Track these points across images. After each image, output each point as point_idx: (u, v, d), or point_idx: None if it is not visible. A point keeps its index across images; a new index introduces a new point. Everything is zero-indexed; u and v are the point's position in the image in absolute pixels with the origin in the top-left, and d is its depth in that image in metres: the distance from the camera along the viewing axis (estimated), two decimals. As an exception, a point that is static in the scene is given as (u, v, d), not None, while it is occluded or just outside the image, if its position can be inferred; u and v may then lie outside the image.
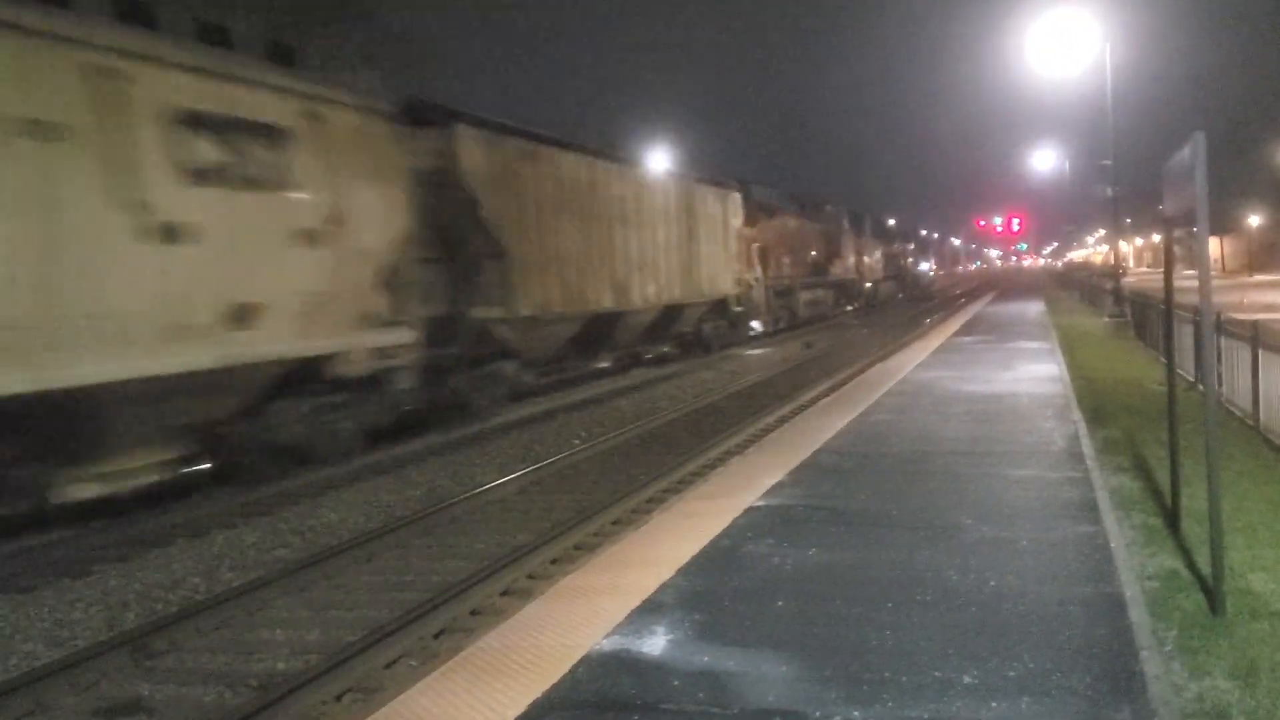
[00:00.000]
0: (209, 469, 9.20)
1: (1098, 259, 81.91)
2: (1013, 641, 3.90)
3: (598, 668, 3.84)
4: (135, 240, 7.93)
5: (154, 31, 8.80)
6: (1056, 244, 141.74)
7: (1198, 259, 4.62)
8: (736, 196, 25.04)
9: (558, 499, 9.26)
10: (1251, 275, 57.22)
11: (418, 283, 11.30)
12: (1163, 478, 6.72)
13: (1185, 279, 9.22)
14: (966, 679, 3.57)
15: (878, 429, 9.09)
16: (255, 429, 9.49)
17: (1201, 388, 5.62)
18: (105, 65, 7.78)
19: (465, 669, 3.97)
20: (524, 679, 3.77)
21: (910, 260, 65.15)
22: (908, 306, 46.66)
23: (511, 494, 9.52)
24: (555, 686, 3.68)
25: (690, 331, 22.43)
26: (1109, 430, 8.98)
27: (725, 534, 5.69)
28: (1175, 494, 5.81)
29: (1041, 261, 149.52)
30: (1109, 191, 25.70)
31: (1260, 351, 8.52)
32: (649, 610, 4.47)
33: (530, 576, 6.89)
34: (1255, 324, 8.87)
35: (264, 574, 7.07)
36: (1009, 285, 62.61)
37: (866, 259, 46.04)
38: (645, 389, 17.33)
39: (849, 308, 41.29)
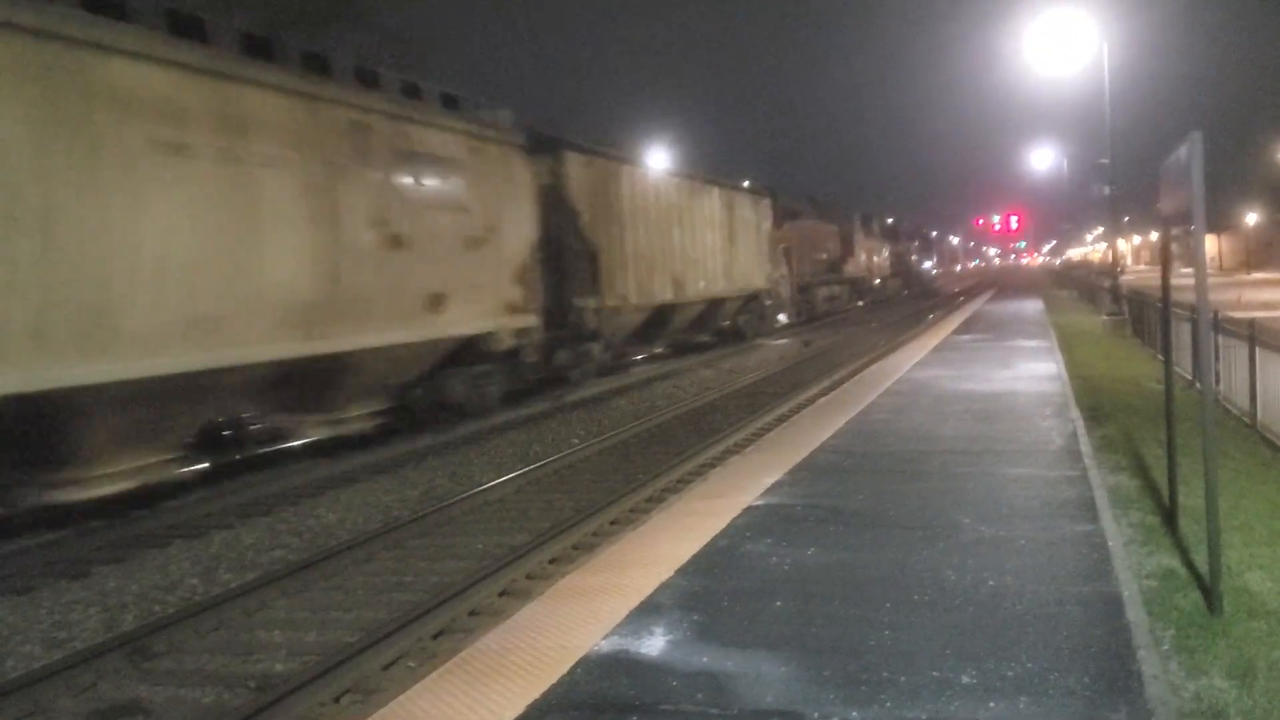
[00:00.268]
0: (207, 468, 9.39)
1: (1096, 257, 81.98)
2: (1010, 641, 3.90)
3: (596, 669, 3.84)
4: (378, 248, 10.61)
5: (380, 89, 11.25)
6: (1055, 242, 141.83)
7: (1194, 258, 4.62)
8: (767, 202, 28.08)
9: (556, 499, 9.26)
10: (1249, 273, 57.27)
11: (539, 278, 14.16)
12: (1161, 476, 6.73)
13: (1183, 277, 9.22)
14: (964, 679, 3.58)
15: (876, 428, 9.10)
16: (430, 390, 12.14)
17: (1200, 386, 5.62)
18: (360, 120, 10.47)
19: (463, 670, 3.97)
20: (522, 680, 3.77)
21: (915, 258, 68.20)
22: (910, 303, 48.28)
23: (510, 494, 9.52)
24: (553, 688, 3.68)
25: (728, 322, 25.12)
26: (1107, 429, 8.99)
27: (724, 534, 5.69)
28: (1173, 492, 5.81)
29: (1040, 260, 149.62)
30: (1106, 190, 25.72)
31: (1257, 350, 8.53)
32: (647, 611, 4.47)
33: (529, 577, 6.89)
34: (1252, 322, 8.89)
35: (262, 575, 7.07)
36: (1007, 283, 62.64)
37: (875, 258, 49.19)
38: (644, 387, 17.33)
39: (860, 303, 43.92)
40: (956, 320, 26.23)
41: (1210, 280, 4.74)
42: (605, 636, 4.17)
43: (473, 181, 12.45)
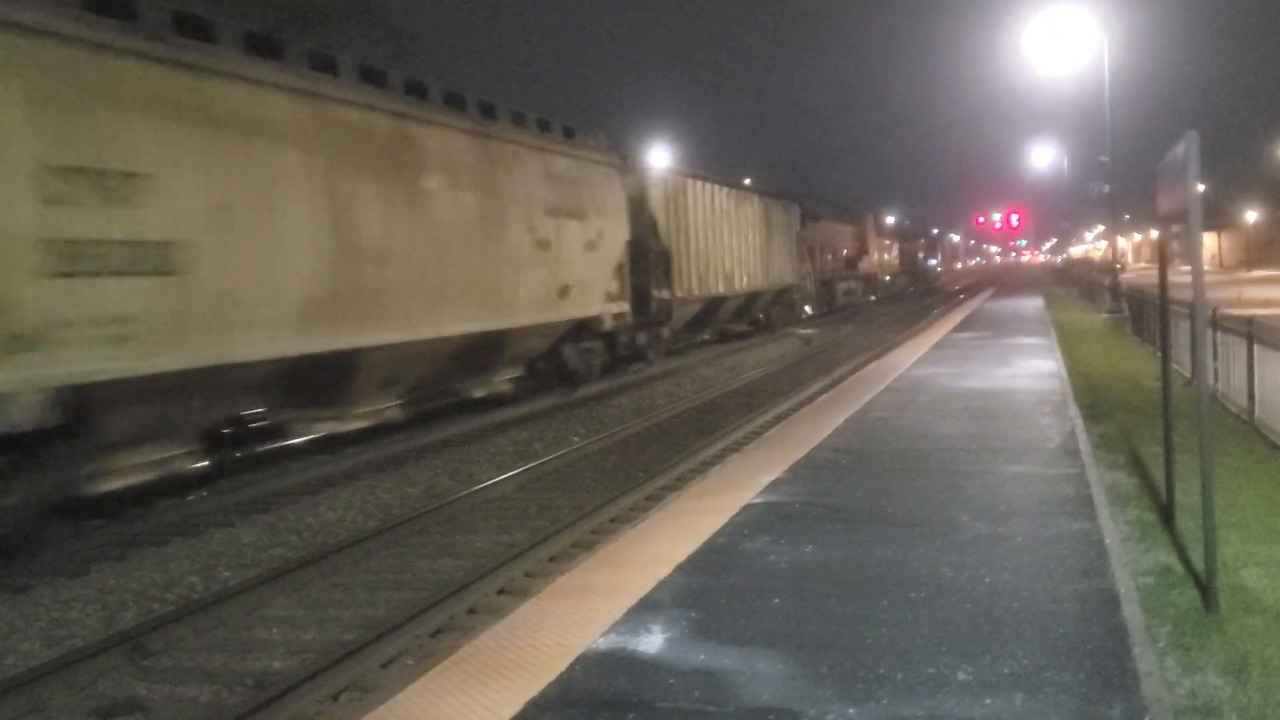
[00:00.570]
0: (207, 467, 9.41)
1: (1097, 255, 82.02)
2: (1007, 638, 3.91)
3: (594, 666, 3.85)
4: (531, 249, 13.71)
5: (526, 125, 14.16)
6: (1056, 240, 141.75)
7: (1191, 256, 4.63)
8: (795, 207, 31.88)
9: (556, 497, 9.27)
10: (1249, 271, 57.26)
11: (628, 273, 17.29)
12: (1158, 474, 6.73)
13: (1182, 275, 9.23)
14: (960, 676, 3.59)
15: (875, 426, 9.10)
16: (551, 360, 15.42)
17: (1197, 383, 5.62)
18: (515, 151, 13.57)
19: (461, 668, 3.98)
20: (520, 678, 3.78)
21: (921, 256, 72.47)
22: (915, 299, 50.04)
23: (510, 492, 9.53)
24: (551, 685, 3.69)
25: (763, 314, 28.64)
26: (1105, 427, 9.00)
27: (722, 531, 5.70)
28: (1170, 490, 5.82)
29: (1041, 257, 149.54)
30: (1106, 188, 25.72)
31: (1255, 347, 8.54)
32: (645, 609, 4.47)
33: (528, 575, 6.90)
34: (1250, 319, 8.89)
35: (261, 573, 7.07)
36: (1008, 281, 62.67)
37: (886, 256, 53.21)
38: (645, 386, 17.34)
39: (872, 297, 47.29)
40: (957, 317, 26.24)
41: (1210, 278, 4.75)
42: (603, 634, 4.17)
43: (587, 196, 15.66)
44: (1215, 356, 10.11)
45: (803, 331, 27.85)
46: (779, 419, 12.50)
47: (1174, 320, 11.79)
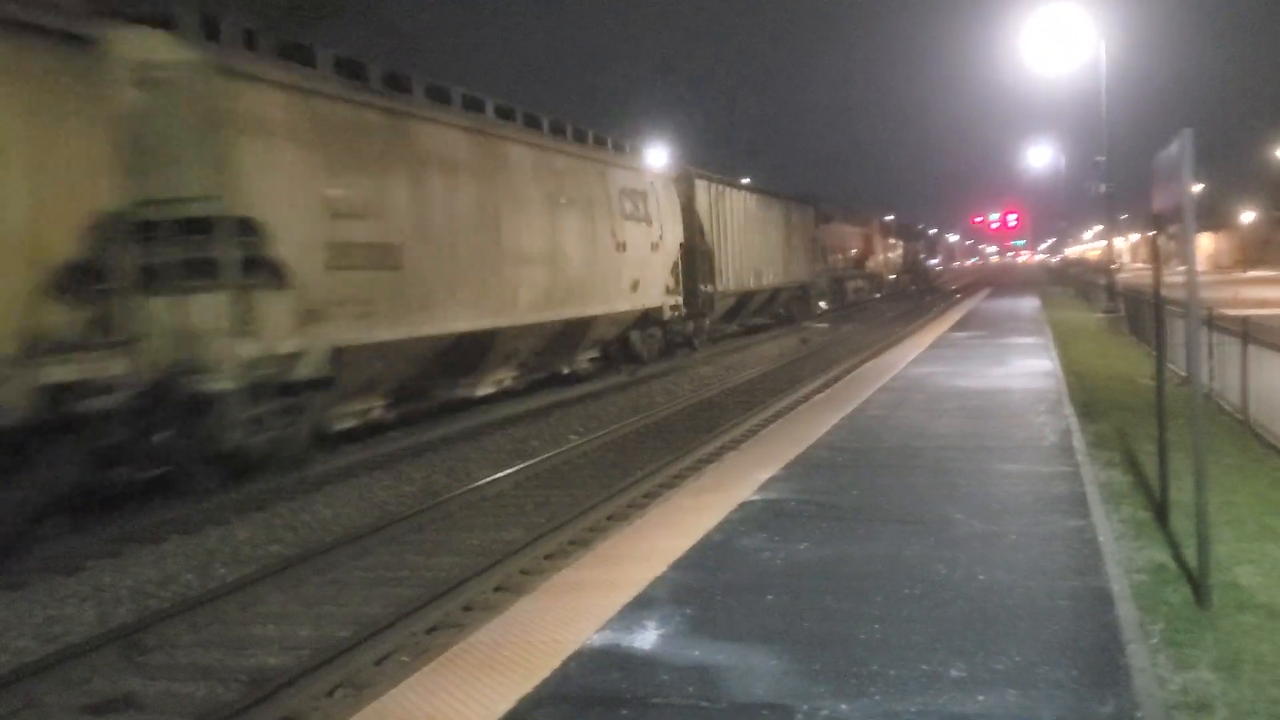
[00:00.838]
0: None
1: (1094, 255, 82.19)
2: (1000, 635, 3.92)
3: (588, 663, 3.86)
4: (613, 250, 16.63)
5: (607, 146, 17.33)
6: (1053, 240, 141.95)
7: (1185, 255, 4.64)
8: (810, 209, 34.86)
9: (552, 494, 9.27)
10: (1245, 271, 57.35)
11: (681, 270, 20.14)
12: (1153, 472, 6.75)
13: (1178, 274, 9.26)
14: (954, 672, 3.59)
15: (871, 424, 9.11)
16: (620, 344, 18.34)
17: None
18: (602, 170, 16.62)
19: (456, 665, 3.98)
20: (514, 674, 3.78)
21: (922, 256, 75.37)
22: (915, 298, 51.87)
23: (506, 489, 9.53)
24: (545, 682, 3.69)
25: (783, 309, 31.62)
26: (1100, 425, 9.02)
27: (718, 528, 5.71)
28: (1164, 488, 5.84)
29: (1037, 257, 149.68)
30: (1103, 187, 25.75)
31: (1249, 347, 8.56)
32: (640, 605, 4.48)
33: (523, 572, 6.90)
34: (1245, 319, 8.91)
35: (257, 570, 7.07)
36: (1005, 281, 62.76)
37: (891, 255, 55.87)
38: (643, 384, 17.35)
39: (877, 295, 49.75)
40: (954, 316, 26.26)
41: (1206, 278, 4.77)
42: (598, 631, 4.18)
43: (652, 204, 18.74)
44: (1210, 356, 10.14)
45: (817, 325, 31.12)
46: (776, 417, 12.51)
47: (1169, 320, 11.81)
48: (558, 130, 15.35)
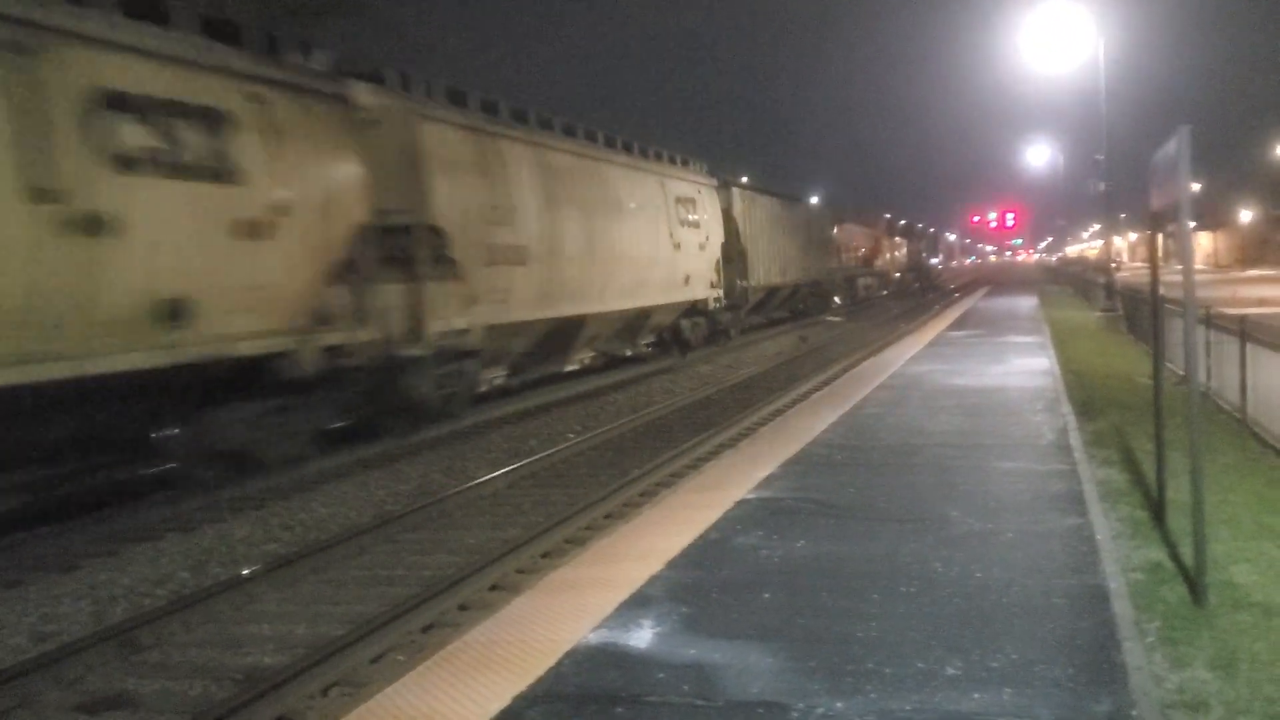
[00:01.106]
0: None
1: (1093, 254, 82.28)
2: (996, 633, 3.91)
3: (583, 661, 3.85)
4: (671, 250, 19.36)
5: (664, 160, 20.27)
6: (1051, 239, 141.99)
7: (1182, 252, 4.63)
8: (827, 212, 38.92)
9: (550, 493, 9.26)
10: (1244, 270, 57.37)
11: (722, 267, 22.73)
12: (1150, 471, 6.74)
13: (1176, 273, 9.26)
14: (950, 670, 3.58)
15: (869, 422, 9.11)
16: (674, 331, 20.99)
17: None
18: (660, 181, 19.37)
19: (450, 663, 3.97)
20: (509, 673, 3.77)
21: (924, 255, 78.05)
22: (917, 296, 53.79)
23: (503, 488, 9.52)
24: (540, 680, 3.68)
25: (802, 304, 34.33)
26: (1098, 424, 9.01)
27: (715, 527, 5.70)
28: (1161, 486, 5.83)
29: (1036, 256, 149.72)
30: (1101, 186, 25.74)
31: (1247, 345, 8.55)
32: (637, 603, 4.47)
33: (520, 571, 6.89)
34: (1243, 318, 8.91)
35: (253, 568, 7.06)
36: (1003, 280, 62.78)
37: (897, 254, 58.37)
38: (641, 383, 17.33)
39: (884, 292, 52.37)
40: (953, 315, 26.26)
41: (1205, 277, 4.77)
42: (594, 629, 4.17)
43: (699, 209, 21.40)
44: (1208, 355, 10.13)
45: (833, 318, 34.21)
46: (774, 415, 12.50)
47: (1167, 318, 11.81)
48: (628, 148, 18.63)
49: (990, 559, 4.84)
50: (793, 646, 3.88)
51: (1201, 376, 9.96)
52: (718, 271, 22.40)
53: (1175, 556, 5.07)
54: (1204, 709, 3.45)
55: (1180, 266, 4.69)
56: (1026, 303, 30.94)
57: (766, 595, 4.51)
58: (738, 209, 25.23)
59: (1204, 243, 72.71)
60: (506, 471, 9.90)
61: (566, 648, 3.98)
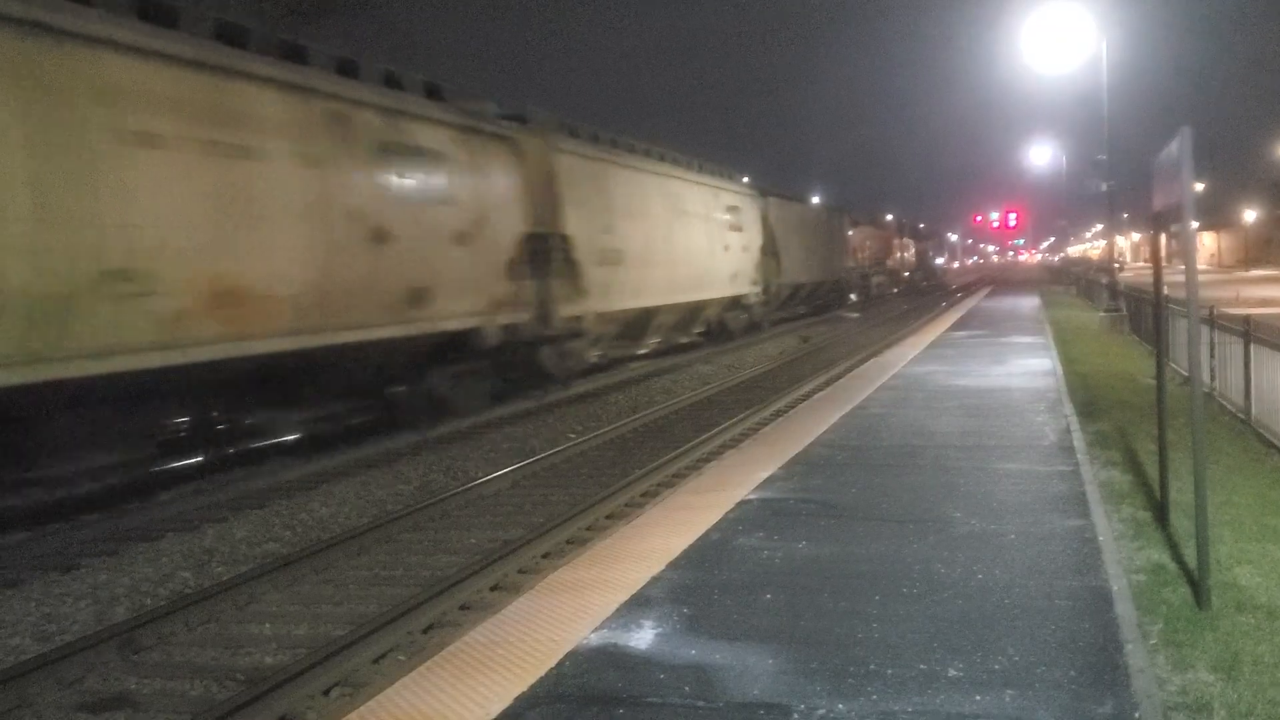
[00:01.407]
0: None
1: (1095, 254, 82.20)
2: (998, 634, 3.90)
3: (584, 662, 3.84)
4: (721, 252, 23.13)
5: (714, 172, 23.76)
6: (1054, 239, 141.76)
7: (1185, 252, 4.62)
8: (844, 215, 41.50)
9: (551, 493, 9.25)
10: (1248, 270, 57.26)
11: (761, 266, 26.35)
12: (1153, 472, 6.72)
13: (1179, 273, 9.24)
14: (951, 671, 3.57)
15: (870, 423, 9.09)
16: (717, 323, 23.95)
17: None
18: (714, 193, 23.06)
19: (451, 664, 3.96)
20: (509, 674, 3.77)
21: (931, 255, 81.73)
22: (926, 294, 55.99)
23: (505, 488, 9.51)
24: (540, 681, 3.67)
25: (822, 300, 37.57)
26: (1100, 424, 8.99)
27: (716, 527, 5.69)
28: (1164, 487, 5.81)
29: (1038, 256, 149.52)
30: (1104, 186, 25.71)
31: (1252, 346, 8.53)
32: (637, 604, 4.46)
33: (521, 571, 6.88)
34: (1247, 318, 8.88)
35: (254, 568, 7.05)
36: (1006, 280, 62.74)
37: (906, 254, 61.73)
38: (642, 383, 17.33)
39: (894, 290, 55.42)
40: (955, 315, 26.24)
41: (1209, 277, 4.75)
42: (594, 630, 4.16)
43: (742, 215, 24.86)
44: (1212, 355, 10.11)
45: (850, 314, 37.30)
46: (776, 415, 12.49)
47: (1171, 319, 11.79)
48: (690, 165, 22.12)
49: (992, 560, 4.83)
50: (794, 648, 3.87)
51: (1205, 377, 9.94)
52: (757, 270, 25.98)
53: (1178, 558, 5.05)
54: (1207, 711, 3.43)
55: (1183, 266, 4.67)
56: (1029, 303, 30.91)
57: (768, 596, 4.50)
58: (771, 214, 28.61)
59: (1207, 243, 72.61)
60: (508, 471, 9.89)
61: (568, 648, 3.97)
